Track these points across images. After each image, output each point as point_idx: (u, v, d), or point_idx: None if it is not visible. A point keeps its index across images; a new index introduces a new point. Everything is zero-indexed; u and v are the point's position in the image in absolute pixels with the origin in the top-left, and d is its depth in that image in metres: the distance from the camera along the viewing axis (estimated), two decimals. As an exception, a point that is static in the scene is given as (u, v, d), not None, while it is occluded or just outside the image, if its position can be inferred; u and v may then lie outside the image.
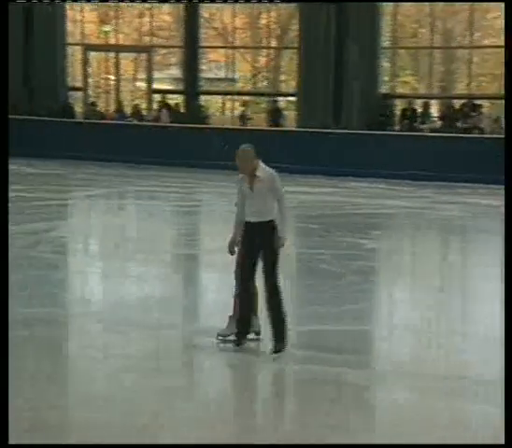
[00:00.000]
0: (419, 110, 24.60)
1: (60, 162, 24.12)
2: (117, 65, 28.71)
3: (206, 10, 27.88)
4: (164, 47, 29.78)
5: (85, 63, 28.44)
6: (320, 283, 11.07)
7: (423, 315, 10.91)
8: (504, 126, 23.69)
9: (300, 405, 7.98)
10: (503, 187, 21.27)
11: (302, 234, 14.93)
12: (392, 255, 14.67)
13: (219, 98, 29.21)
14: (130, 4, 28.74)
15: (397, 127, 24.55)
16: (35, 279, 11.79)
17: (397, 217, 17.77)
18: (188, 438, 6.99)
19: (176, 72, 29.36)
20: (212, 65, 29.69)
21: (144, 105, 27.49)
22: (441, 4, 26.19)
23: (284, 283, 8.82)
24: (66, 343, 9.62)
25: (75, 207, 19.28)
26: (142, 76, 29.04)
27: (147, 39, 28.64)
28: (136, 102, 27.96)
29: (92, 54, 28.85)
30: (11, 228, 15.13)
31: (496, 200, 19.28)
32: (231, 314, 8.99)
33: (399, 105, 25.27)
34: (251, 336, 9.03)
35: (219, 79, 29.40)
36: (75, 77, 28.63)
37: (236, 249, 8.85)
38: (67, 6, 27.71)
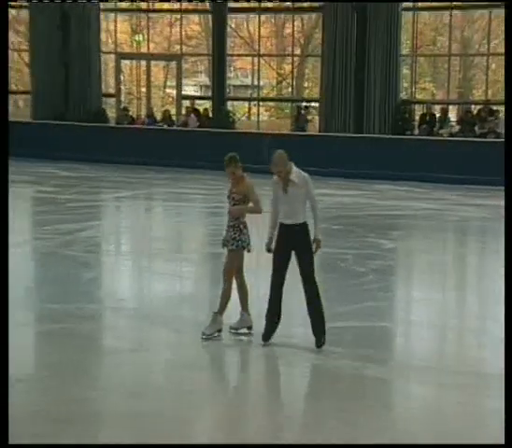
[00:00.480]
0: (438, 115, 24.54)
1: (92, 166, 24.21)
2: (148, 73, 28.80)
3: (232, 20, 27.92)
4: (193, 55, 29.87)
5: (118, 70, 28.55)
6: (341, 281, 11.06)
7: (440, 313, 10.89)
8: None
9: (320, 398, 7.98)
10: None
11: (325, 234, 14.87)
12: (411, 255, 14.65)
13: (245, 104, 29.22)
14: (160, 14, 28.87)
15: (416, 131, 24.51)
16: (68, 276, 11.85)
17: (417, 218, 17.72)
18: (215, 428, 7.01)
19: (204, 79, 29.44)
20: (238, 73, 29.76)
21: (173, 111, 27.54)
22: (459, 12, 26.13)
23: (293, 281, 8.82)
24: (98, 336, 9.65)
25: (106, 208, 19.35)
26: (172, 82, 29.14)
27: (176, 48, 28.69)
28: (166, 107, 28.04)
29: (125, 62, 28.96)
30: (46, 228, 15.39)
31: None
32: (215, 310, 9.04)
33: (418, 111, 25.22)
34: (244, 330, 9.09)
35: (245, 86, 29.44)
36: (108, 83, 28.75)
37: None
38: (102, 16, 27.80)
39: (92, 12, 27.38)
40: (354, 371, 8.17)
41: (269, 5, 27.61)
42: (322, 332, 8.67)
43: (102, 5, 27.65)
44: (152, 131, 26.15)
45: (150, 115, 27.26)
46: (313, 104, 27.31)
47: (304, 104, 27.27)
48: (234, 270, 9.09)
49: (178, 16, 28.57)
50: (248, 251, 9.13)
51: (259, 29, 27.91)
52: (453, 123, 24.63)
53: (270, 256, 8.78)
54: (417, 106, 25.45)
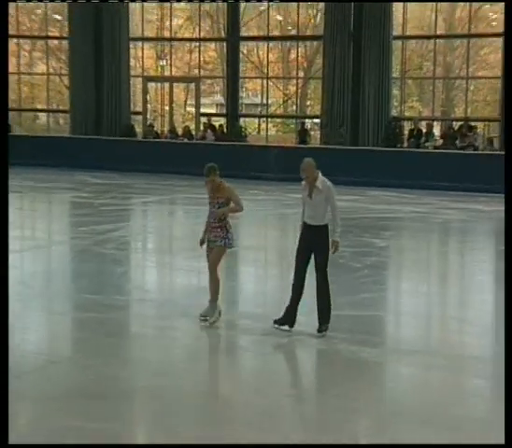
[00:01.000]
0: (424, 130, 24.46)
1: (122, 174, 24.21)
2: (170, 93, 28.79)
3: (244, 47, 27.92)
4: (210, 77, 29.85)
5: (145, 91, 28.55)
6: (339, 275, 11.01)
7: (427, 303, 10.85)
8: (496, 144, 23.61)
9: (323, 377, 7.97)
10: (494, 195, 21.26)
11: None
12: (401, 252, 14.60)
13: (255, 120, 29.19)
14: (181, 42, 28.91)
15: (405, 144, 24.44)
16: (101, 271, 11.85)
17: (405, 220, 17.67)
18: (229, 400, 7.00)
19: (219, 98, 29.43)
20: (249, 93, 29.75)
21: (193, 126, 27.53)
22: (442, 41, 26.12)
23: (310, 276, 8.77)
24: (126, 323, 9.63)
25: (134, 212, 19.34)
26: (191, 102, 29.14)
27: (195, 71, 28.69)
28: (186, 123, 28.01)
29: (151, 84, 28.96)
30: (81, 228, 15.38)
31: (488, 206, 19.20)
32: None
33: (407, 126, 25.14)
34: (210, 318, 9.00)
35: (255, 104, 29.43)
36: (136, 103, 28.75)
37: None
38: (131, 44, 27.81)
39: (123, 41, 27.42)
40: (351, 354, 8.15)
41: (276, 33, 27.65)
42: (326, 320, 8.63)
43: (131, 34, 27.67)
44: (174, 144, 26.15)
45: (173, 130, 27.26)
46: (315, 120, 27.28)
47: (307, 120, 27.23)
48: (219, 263, 9.05)
49: (197, 44, 28.59)
50: (231, 248, 9.13)
51: (267, 55, 27.91)
52: (437, 137, 24.54)
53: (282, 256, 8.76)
54: (405, 122, 25.38)
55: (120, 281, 11.47)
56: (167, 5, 28.29)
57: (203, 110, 28.32)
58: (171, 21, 28.74)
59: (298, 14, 27.04)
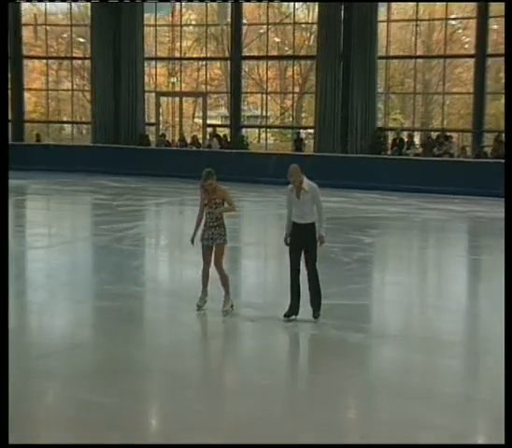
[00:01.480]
0: (406, 140, 24.43)
1: (137, 178, 24.21)
2: (180, 107, 28.76)
3: (246, 65, 27.88)
4: (215, 92, 29.79)
5: (157, 105, 28.52)
6: (330, 268, 11.02)
7: (408, 293, 10.85)
8: (469, 152, 23.59)
9: (315, 358, 7.97)
10: (468, 197, 21.22)
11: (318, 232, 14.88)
12: (385, 248, 14.60)
13: (255, 130, 29.15)
14: (190, 61, 28.90)
15: (389, 152, 24.41)
16: (118, 264, 11.84)
17: (389, 219, 17.65)
18: (234, 377, 7.01)
19: (224, 111, 29.39)
20: (251, 106, 29.70)
21: (200, 136, 27.49)
22: (421, 61, 26.13)
23: (303, 269, 8.77)
24: (141, 311, 9.64)
25: (148, 212, 19.34)
26: (199, 114, 29.08)
27: (202, 87, 28.63)
28: (194, 133, 27.97)
29: (163, 99, 28.92)
30: (102, 226, 15.37)
31: (463, 207, 19.19)
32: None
33: (390, 136, 25.10)
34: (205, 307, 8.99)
35: (255, 116, 29.37)
36: (150, 115, 28.68)
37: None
38: (145, 63, 27.79)
39: (138, 60, 27.39)
40: (340, 339, 8.15)
41: (274, 53, 27.64)
42: (318, 307, 8.64)
43: (145, 54, 27.66)
44: (183, 151, 26.12)
45: (182, 139, 27.23)
46: (309, 130, 27.25)
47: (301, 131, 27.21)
48: (223, 259, 9.00)
49: (204, 62, 28.55)
50: (226, 243, 9.05)
51: (266, 72, 27.86)
52: (417, 146, 24.52)
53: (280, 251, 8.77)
54: (389, 133, 25.31)
55: (136, 273, 11.47)
56: (178, 28, 28.34)
57: (209, 121, 28.27)
58: (181, 42, 28.72)
59: (294, 36, 27.01)
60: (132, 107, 27.48)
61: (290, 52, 27.53)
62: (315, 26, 25.85)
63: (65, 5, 28.57)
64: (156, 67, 29.11)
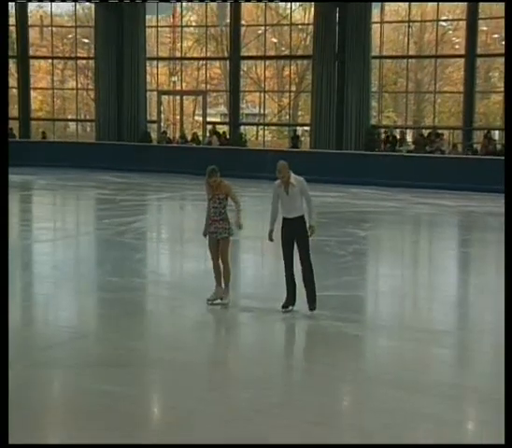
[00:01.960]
0: (398, 137, 24.39)
1: (139, 174, 24.16)
2: (181, 105, 28.70)
3: (244, 65, 27.81)
4: (215, 91, 29.71)
5: (159, 103, 28.46)
6: (326, 261, 11.00)
7: (401, 285, 10.83)
8: (459, 149, 23.55)
9: (311, 348, 7.95)
10: (459, 192, 21.21)
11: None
12: (379, 241, 14.57)
13: (253, 128, 29.09)
14: (190, 61, 28.83)
15: (382, 149, 24.38)
16: (121, 257, 11.79)
17: (383, 213, 17.63)
18: (233, 367, 6.99)
19: (223, 109, 29.31)
20: (249, 104, 29.63)
21: (200, 133, 27.43)
22: (413, 60, 26.07)
23: (297, 262, 8.73)
24: (143, 302, 9.60)
25: (150, 206, 19.30)
26: (199, 112, 29.02)
27: (202, 86, 28.56)
28: (194, 131, 27.91)
29: (164, 97, 28.85)
30: (105, 221, 15.33)
31: (454, 202, 19.17)
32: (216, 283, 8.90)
33: (383, 133, 25.06)
34: (218, 301, 8.87)
35: (253, 114, 29.31)
36: (152, 113, 28.62)
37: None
38: (147, 63, 27.71)
39: (140, 60, 27.34)
40: (336, 329, 8.12)
41: (272, 53, 27.57)
42: (314, 300, 8.59)
43: (147, 54, 27.58)
44: (184, 148, 26.08)
45: (183, 136, 27.18)
46: (305, 128, 27.20)
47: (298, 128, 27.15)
48: (229, 252, 8.95)
49: (204, 62, 28.49)
50: (232, 235, 8.96)
51: (264, 71, 27.80)
52: (410, 143, 24.49)
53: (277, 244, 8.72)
54: (382, 130, 25.28)
55: (138, 266, 11.44)
56: (178, 29, 28.28)
57: (209, 119, 28.20)
58: (182, 42, 28.66)
59: (290, 37, 26.97)
60: (134, 105, 27.42)
61: (287, 52, 27.46)
62: (311, 27, 25.78)
63: (70, 7, 28.49)
64: (158, 67, 29.05)
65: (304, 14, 27.19)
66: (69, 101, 30.41)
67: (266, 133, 28.51)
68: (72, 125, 31.09)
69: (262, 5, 26.57)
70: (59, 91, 30.26)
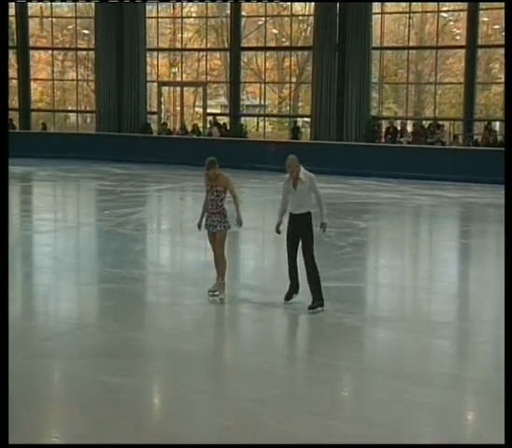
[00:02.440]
0: (399, 128, 24.33)
1: (140, 165, 24.12)
2: (181, 96, 28.62)
3: (245, 56, 27.73)
4: (215, 82, 29.61)
5: (159, 94, 28.37)
6: (326, 252, 10.98)
7: (401, 276, 10.83)
8: (460, 140, 23.51)
9: (312, 339, 7.94)
10: (459, 183, 21.16)
11: (315, 217, 14.83)
12: (379, 232, 14.55)
13: (254, 119, 29.03)
14: (191, 52, 28.74)
15: (383, 140, 24.32)
16: (121, 248, 11.78)
17: (383, 204, 17.61)
18: (233, 358, 6.98)
19: (223, 100, 29.22)
20: (249, 95, 29.55)
21: (200, 124, 27.36)
22: (414, 52, 25.98)
23: (300, 253, 8.71)
24: (143, 293, 9.59)
25: (150, 197, 19.27)
26: (199, 103, 28.93)
27: (203, 77, 28.48)
28: (195, 122, 27.84)
29: (164, 88, 28.76)
30: (106, 212, 15.29)
31: (454, 193, 19.15)
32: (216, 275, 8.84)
33: (384, 125, 25.00)
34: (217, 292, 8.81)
35: (254, 105, 29.24)
36: (152, 104, 28.53)
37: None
38: (147, 54, 27.63)
39: (140, 51, 27.26)
40: (336, 320, 8.12)
41: (272, 44, 27.48)
42: (318, 298, 8.34)
43: (147, 45, 27.49)
44: (184, 139, 26.03)
45: (183, 127, 27.12)
46: (305, 119, 27.13)
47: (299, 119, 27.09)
48: (225, 245, 8.89)
49: (204, 53, 28.39)
50: (229, 228, 8.91)
51: (265, 63, 27.70)
52: (410, 134, 24.41)
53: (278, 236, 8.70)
54: (383, 121, 25.22)
55: (138, 257, 11.43)
56: (179, 20, 28.17)
57: (209, 110, 28.12)
58: (182, 33, 28.55)
59: (291, 28, 26.87)
60: (134, 97, 27.35)
61: (287, 43, 27.36)
62: (311, 18, 25.68)
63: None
64: (158, 58, 28.95)
65: (304, 5, 27.05)
66: (69, 92, 30.32)
67: (267, 124, 28.44)
68: (72, 116, 31.02)
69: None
70: (59, 83, 30.17)
